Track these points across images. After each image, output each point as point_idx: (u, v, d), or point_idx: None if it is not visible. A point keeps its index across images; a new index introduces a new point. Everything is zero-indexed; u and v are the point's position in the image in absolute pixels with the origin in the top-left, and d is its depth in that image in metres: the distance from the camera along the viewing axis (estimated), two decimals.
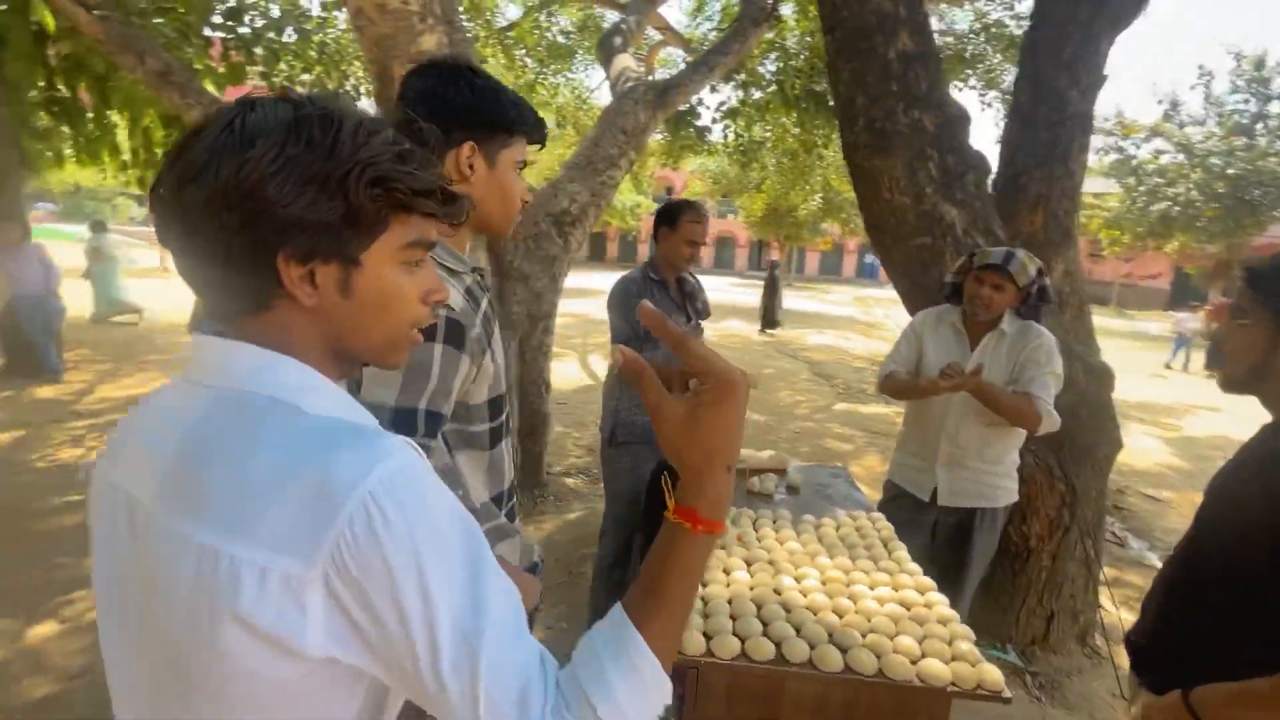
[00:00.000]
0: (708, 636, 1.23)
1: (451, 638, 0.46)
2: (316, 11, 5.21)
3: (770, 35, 6.13)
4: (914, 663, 1.20)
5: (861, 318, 16.30)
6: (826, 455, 4.99)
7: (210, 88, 4.53)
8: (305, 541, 0.45)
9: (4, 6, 4.76)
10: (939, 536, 2.15)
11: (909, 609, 1.39)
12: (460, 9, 7.77)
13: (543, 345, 3.81)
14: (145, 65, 2.89)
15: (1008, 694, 1.16)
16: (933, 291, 2.28)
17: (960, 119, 2.43)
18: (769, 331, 12.07)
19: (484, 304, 1.07)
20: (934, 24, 7.49)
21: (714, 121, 6.24)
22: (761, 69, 6.05)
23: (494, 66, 9.03)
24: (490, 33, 8.18)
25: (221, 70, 4.56)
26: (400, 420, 0.93)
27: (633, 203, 23.08)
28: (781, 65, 5.66)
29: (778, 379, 7.81)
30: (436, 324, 0.94)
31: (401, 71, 2.79)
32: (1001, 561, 2.61)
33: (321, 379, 0.55)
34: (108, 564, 0.55)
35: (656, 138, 8.48)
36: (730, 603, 1.35)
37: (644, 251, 39.11)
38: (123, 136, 6.59)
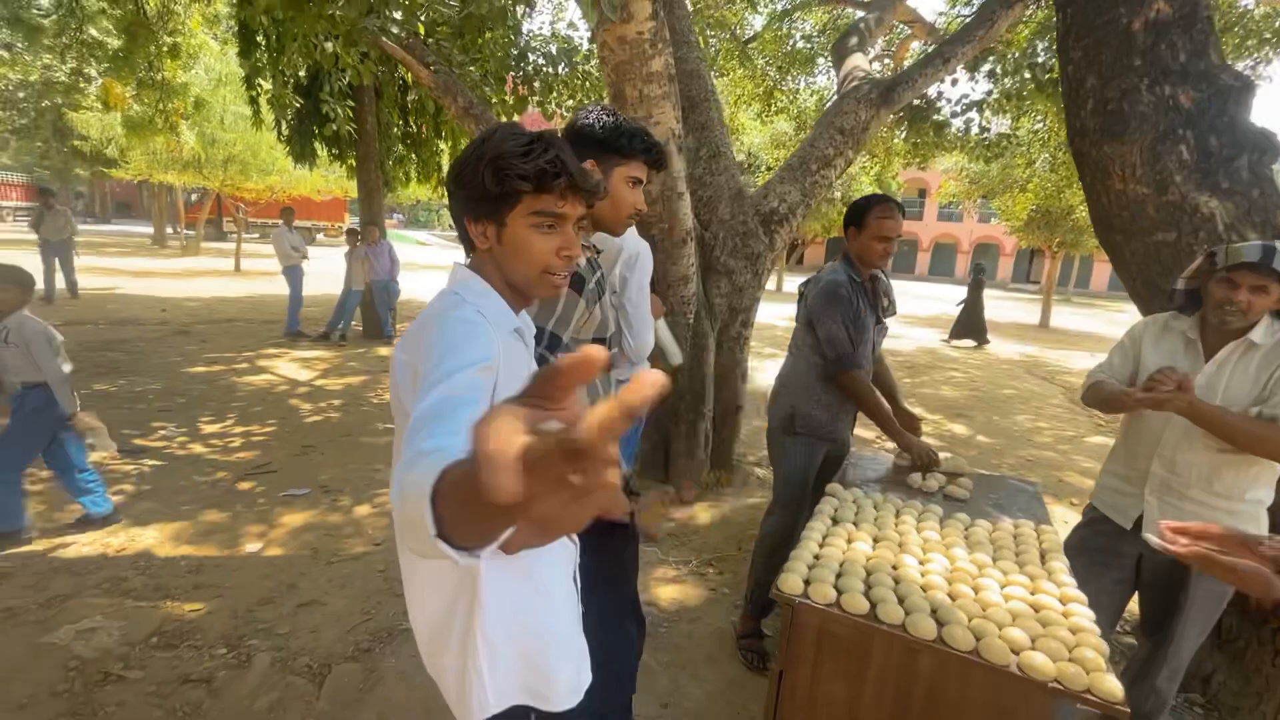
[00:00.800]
0: (808, 582, 1.36)
1: (425, 382, 0.73)
2: (585, 48, 6.11)
3: (1045, 11, 5.42)
4: (1017, 652, 1.18)
5: None
6: (1062, 490, 4.32)
7: (502, 117, 5.68)
8: (413, 342, 0.82)
9: (383, 69, 6.57)
10: (1145, 575, 1.86)
11: (1037, 610, 1.33)
12: (707, 26, 8.27)
13: (741, 337, 4.03)
14: (457, 103, 3.86)
15: (1124, 706, 1.08)
16: None
17: (1235, 92, 2.02)
18: (956, 344, 10.90)
19: (599, 273, 1.46)
20: None
21: (954, 115, 5.72)
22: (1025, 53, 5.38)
23: (736, 78, 9.46)
24: (734, 44, 8.59)
25: (510, 102, 5.67)
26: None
27: None
28: (1046, 46, 4.98)
29: (1019, 401, 6.83)
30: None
31: (632, 92, 3.26)
32: (1259, 631, 2.12)
33: (487, 288, 0.91)
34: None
35: (900, 137, 8.02)
36: (841, 564, 1.45)
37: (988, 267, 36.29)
38: (445, 160, 8.58)
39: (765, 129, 13.76)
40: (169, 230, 20.95)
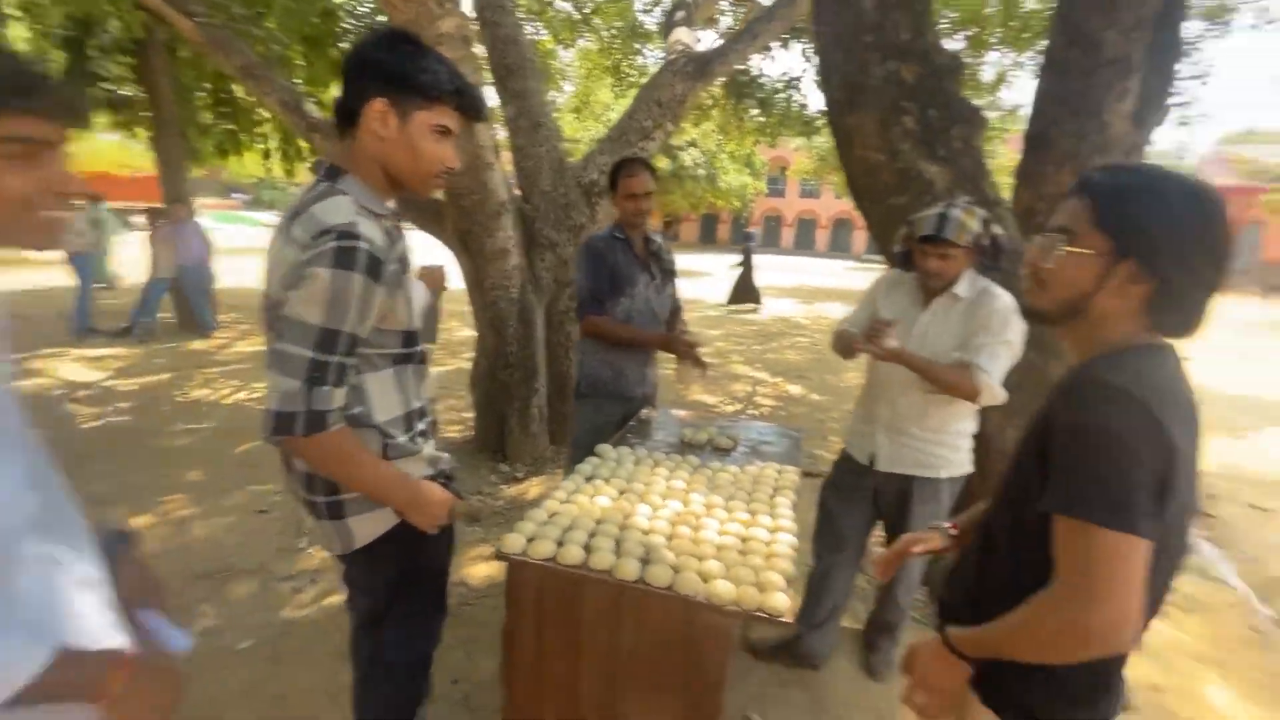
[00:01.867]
0: (531, 540, 1.37)
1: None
2: None
3: None
4: (708, 582, 1.26)
5: None
6: None
7: (309, 85, 5.20)
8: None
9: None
10: (882, 506, 2.09)
11: (745, 542, 1.43)
12: None
13: (570, 310, 4.01)
14: (232, 61, 3.45)
15: (787, 618, 1.19)
16: None
17: (948, 70, 2.27)
18: (735, 307, 11.63)
19: (400, 246, 1.19)
20: None
21: (775, 92, 6.04)
22: None
23: (584, 51, 9.34)
24: (578, 17, 8.46)
25: (321, 67, 5.19)
26: (325, 339, 1.03)
27: (739, 184, 22.54)
28: None
29: (853, 363, 7.46)
30: (359, 255, 1.03)
31: None
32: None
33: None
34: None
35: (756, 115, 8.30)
36: (573, 520, 1.47)
37: (757, 235, 38.19)
38: (270, 130, 7.69)
39: (623, 103, 13.78)
40: None
